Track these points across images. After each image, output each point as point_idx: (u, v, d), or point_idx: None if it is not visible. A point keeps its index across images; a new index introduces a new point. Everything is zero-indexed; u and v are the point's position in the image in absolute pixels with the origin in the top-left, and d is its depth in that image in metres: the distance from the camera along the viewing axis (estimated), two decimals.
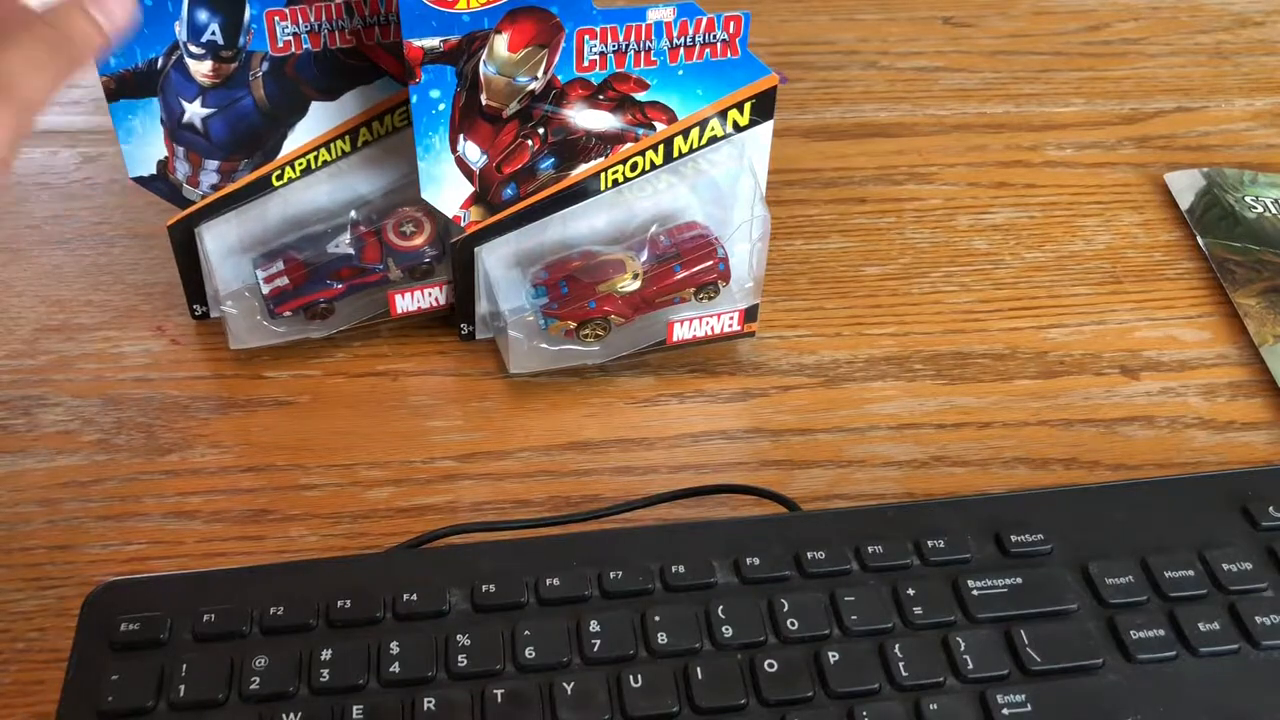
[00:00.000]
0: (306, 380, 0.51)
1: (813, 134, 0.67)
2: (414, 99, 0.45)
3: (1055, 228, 0.61)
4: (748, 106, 0.49)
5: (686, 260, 0.50)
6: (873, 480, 0.47)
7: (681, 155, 0.50)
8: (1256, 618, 0.38)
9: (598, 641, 0.37)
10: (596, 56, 0.46)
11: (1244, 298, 0.55)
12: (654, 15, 0.46)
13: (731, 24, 0.46)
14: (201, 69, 0.46)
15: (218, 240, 0.50)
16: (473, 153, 0.47)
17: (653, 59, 0.47)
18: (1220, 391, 0.51)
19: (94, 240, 0.58)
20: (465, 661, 0.36)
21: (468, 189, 0.48)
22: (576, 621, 0.37)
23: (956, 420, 0.50)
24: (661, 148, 0.49)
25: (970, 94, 0.71)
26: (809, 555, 0.39)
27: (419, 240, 0.51)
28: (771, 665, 0.36)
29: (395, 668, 0.36)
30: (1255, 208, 0.61)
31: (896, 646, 0.37)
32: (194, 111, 0.47)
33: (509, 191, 0.49)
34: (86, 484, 0.46)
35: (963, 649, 0.37)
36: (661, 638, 0.37)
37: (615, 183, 0.50)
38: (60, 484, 0.46)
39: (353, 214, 0.51)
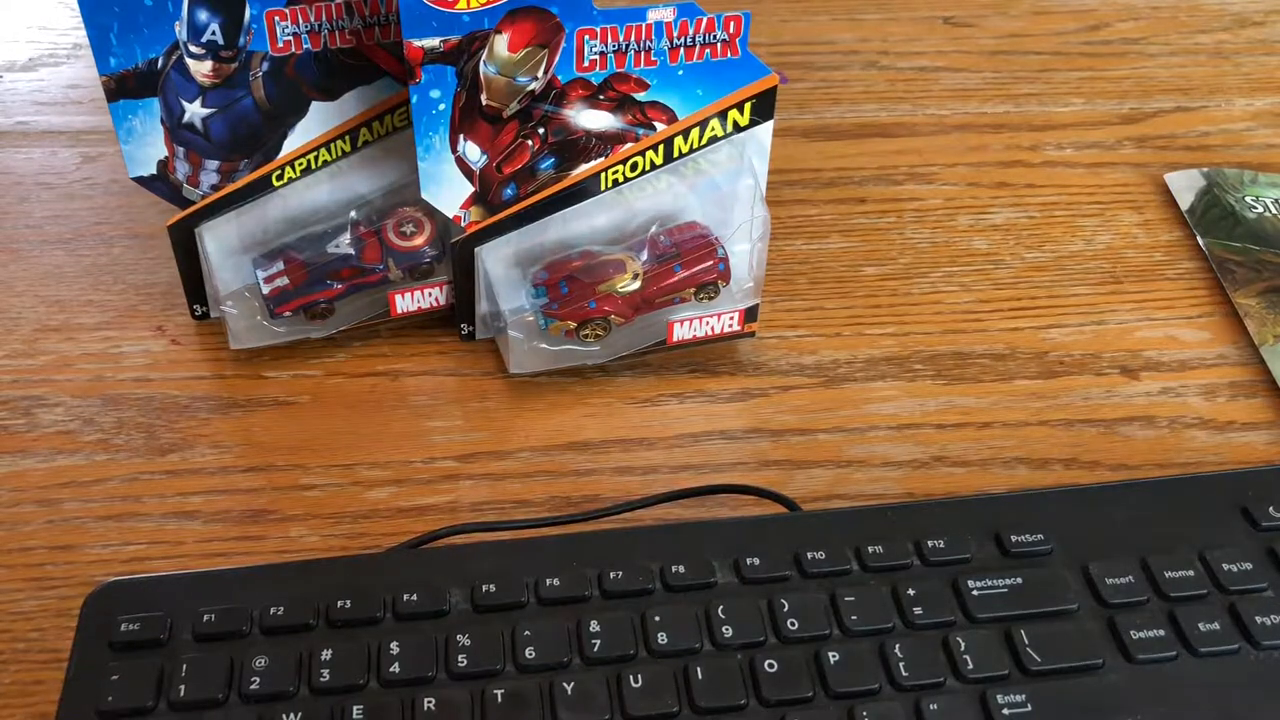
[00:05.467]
0: (306, 380, 0.51)
1: (813, 134, 0.67)
2: (414, 99, 0.45)
3: (1055, 228, 0.61)
4: (748, 106, 0.49)
5: (686, 260, 0.50)
6: (873, 480, 0.47)
7: (681, 155, 0.50)
8: (1256, 618, 0.38)
9: (598, 641, 0.37)
10: (596, 56, 0.46)
11: (1244, 298, 0.55)
12: (654, 15, 0.46)
13: (731, 24, 0.46)
14: (201, 69, 0.46)
15: (218, 240, 0.50)
16: (473, 153, 0.47)
17: (653, 59, 0.47)
18: (1220, 391, 0.51)
19: (94, 240, 0.58)
20: (465, 661, 0.36)
21: (468, 189, 0.48)
22: (576, 621, 0.37)
23: (956, 420, 0.50)
24: (661, 148, 0.49)
25: (970, 94, 0.71)
26: (809, 555, 0.39)
27: (419, 240, 0.51)
28: (771, 665, 0.36)
29: (395, 668, 0.36)
30: (1255, 208, 0.61)
31: (896, 646, 0.37)
32: (194, 111, 0.47)
33: (509, 191, 0.49)
34: (86, 484, 0.46)
35: (963, 649, 0.37)
36: (661, 638, 0.37)
37: (615, 183, 0.50)
38: (60, 484, 0.46)
39: (353, 214, 0.51)
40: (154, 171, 0.48)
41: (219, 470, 0.47)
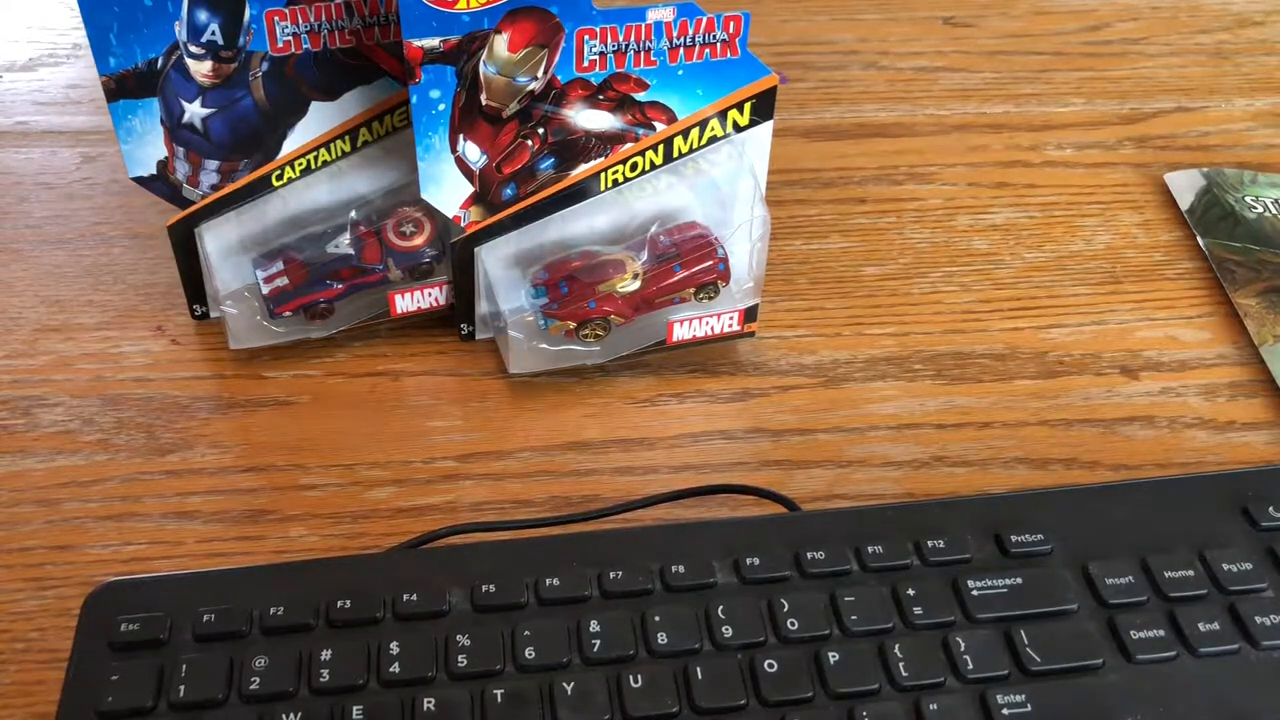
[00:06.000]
0: (306, 380, 0.51)
1: (813, 134, 0.67)
2: (414, 99, 0.45)
3: (1055, 228, 0.61)
4: (748, 106, 0.49)
5: (686, 260, 0.50)
6: (873, 480, 0.47)
7: (681, 155, 0.50)
8: (1256, 618, 0.38)
9: (598, 642, 0.37)
10: (596, 56, 0.46)
11: (1244, 298, 0.55)
12: (654, 15, 0.46)
13: (731, 24, 0.46)
14: (201, 69, 0.46)
15: (218, 240, 0.50)
16: (473, 153, 0.47)
17: (653, 59, 0.47)
18: (1220, 391, 0.51)
19: (94, 240, 0.58)
20: (465, 661, 0.36)
21: (468, 189, 0.48)
22: (576, 621, 0.37)
23: (956, 420, 0.50)
24: (661, 148, 0.49)
25: (970, 94, 0.71)
26: (809, 555, 0.39)
27: (419, 240, 0.51)
28: (771, 665, 0.36)
29: (395, 668, 0.36)
30: (1255, 208, 0.61)
31: (896, 647, 0.37)
32: (194, 111, 0.47)
33: (509, 191, 0.49)
34: (86, 484, 0.46)
35: (963, 649, 0.37)
36: (661, 638, 0.37)
37: (615, 183, 0.50)
38: (60, 484, 0.46)
39: (353, 214, 0.51)
40: (154, 171, 0.48)
41: (219, 470, 0.47)
